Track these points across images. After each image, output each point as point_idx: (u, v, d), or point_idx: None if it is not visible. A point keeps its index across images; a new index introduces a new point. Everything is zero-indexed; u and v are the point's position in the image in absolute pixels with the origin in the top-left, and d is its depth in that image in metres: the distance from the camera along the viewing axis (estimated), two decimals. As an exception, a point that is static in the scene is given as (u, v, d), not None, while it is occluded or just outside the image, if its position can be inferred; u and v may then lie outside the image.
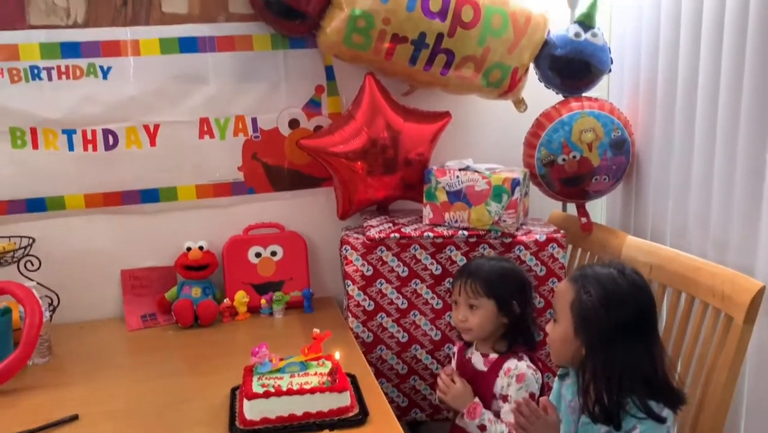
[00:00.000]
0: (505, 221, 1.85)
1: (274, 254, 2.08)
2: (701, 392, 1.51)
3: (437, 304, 1.91)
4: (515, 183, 1.83)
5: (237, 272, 2.06)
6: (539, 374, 1.56)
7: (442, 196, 1.89)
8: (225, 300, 2.01)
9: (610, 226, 2.14)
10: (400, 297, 1.89)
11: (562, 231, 1.93)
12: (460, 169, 1.89)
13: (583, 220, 2.06)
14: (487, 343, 1.63)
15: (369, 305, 1.89)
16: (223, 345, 1.85)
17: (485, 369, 1.60)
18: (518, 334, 1.60)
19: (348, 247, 1.89)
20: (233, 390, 1.54)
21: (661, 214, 1.94)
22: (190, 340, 1.89)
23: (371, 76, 1.96)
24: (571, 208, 2.23)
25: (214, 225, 2.09)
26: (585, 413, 1.31)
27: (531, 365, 1.56)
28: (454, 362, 1.73)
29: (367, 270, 1.88)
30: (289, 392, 1.38)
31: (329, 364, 1.50)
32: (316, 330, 1.53)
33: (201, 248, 2.02)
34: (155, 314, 2.04)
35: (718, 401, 1.45)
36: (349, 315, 1.90)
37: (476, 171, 1.87)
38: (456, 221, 1.89)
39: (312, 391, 1.39)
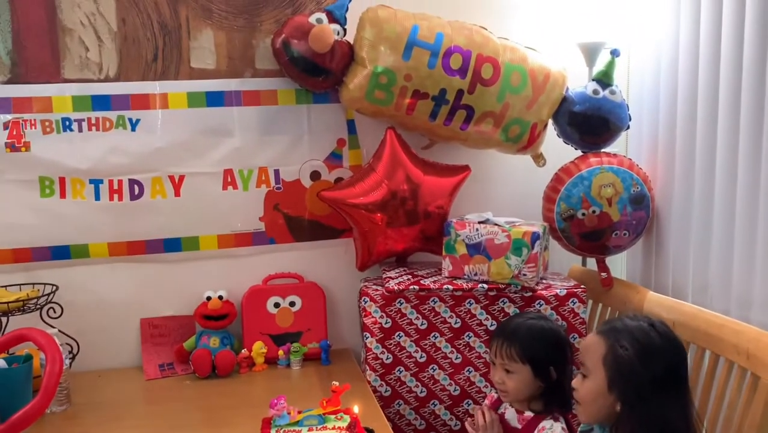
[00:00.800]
0: (525, 274, 1.84)
1: (292, 304, 2.09)
2: (729, 455, 1.47)
3: (456, 358, 1.89)
4: (535, 237, 1.83)
5: (255, 322, 2.06)
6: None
7: (462, 249, 1.90)
8: (243, 350, 2.00)
9: (630, 281, 2.12)
10: (419, 350, 1.88)
11: (582, 286, 1.92)
12: (479, 222, 1.90)
13: (603, 275, 2.05)
14: (522, 401, 1.60)
15: (387, 358, 1.88)
16: (240, 396, 1.84)
17: (519, 426, 1.57)
18: (554, 396, 1.57)
19: (367, 298, 1.89)
20: (252, 441, 1.53)
21: (682, 270, 1.92)
22: (208, 391, 1.89)
23: (392, 130, 2.00)
24: (591, 263, 2.22)
25: (234, 275, 2.10)
26: None
27: (566, 428, 1.54)
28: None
29: (386, 322, 1.87)
30: (307, 446, 1.37)
31: (348, 418, 1.49)
32: (335, 383, 1.52)
33: (220, 297, 2.03)
34: (173, 363, 2.03)
35: (747, 464, 1.42)
36: (367, 368, 1.89)
37: (496, 224, 1.88)
38: (476, 274, 1.89)
39: (330, 445, 1.38)
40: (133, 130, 1.98)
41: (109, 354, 2.05)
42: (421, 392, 1.89)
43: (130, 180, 2.00)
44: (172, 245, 2.06)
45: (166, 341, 2.07)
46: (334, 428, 1.45)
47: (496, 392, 1.70)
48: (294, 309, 2.09)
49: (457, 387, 1.90)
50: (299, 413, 1.48)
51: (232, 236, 2.09)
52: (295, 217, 2.12)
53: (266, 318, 2.07)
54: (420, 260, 2.15)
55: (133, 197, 2.01)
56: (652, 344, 1.25)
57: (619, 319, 1.34)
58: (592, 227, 1.96)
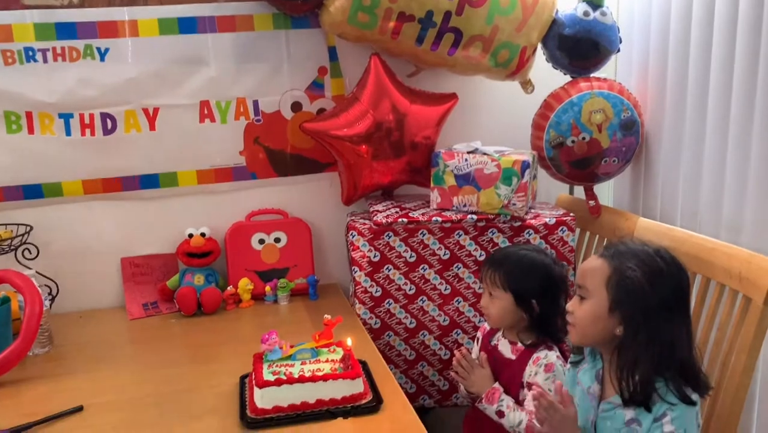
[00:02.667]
0: (514, 204, 1.81)
1: (277, 240, 2.04)
2: (718, 376, 1.48)
3: (446, 289, 1.87)
4: (525, 165, 1.79)
5: (240, 259, 2.01)
6: (566, 367, 1.52)
7: (450, 180, 1.85)
8: (228, 288, 1.96)
9: (617, 208, 2.11)
10: (408, 283, 1.86)
11: (571, 214, 1.90)
12: (468, 152, 1.85)
13: (591, 203, 2.03)
14: (513, 331, 1.60)
15: (376, 291, 1.86)
16: (228, 333, 1.81)
17: (513, 357, 1.57)
18: (544, 329, 1.55)
19: (354, 232, 1.85)
20: (242, 378, 1.50)
21: (671, 196, 1.91)
22: (194, 328, 1.85)
23: (377, 56, 1.92)
24: (579, 192, 2.20)
25: (216, 211, 2.04)
26: (609, 397, 1.28)
27: (560, 356, 1.53)
28: (477, 347, 1.70)
29: (375, 256, 1.84)
30: (301, 380, 1.35)
31: (341, 350, 1.47)
32: (328, 316, 1.49)
33: (203, 234, 1.97)
34: (157, 302, 1.99)
35: (737, 385, 1.43)
36: (356, 301, 1.87)
37: (485, 154, 1.83)
38: (465, 205, 1.85)
39: (324, 378, 1.36)
40: (102, 60, 1.87)
41: (91, 295, 2.00)
42: (411, 323, 1.88)
43: (102, 114, 1.91)
44: (149, 182, 1.99)
45: (148, 280, 2.02)
46: (327, 361, 1.43)
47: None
48: (279, 245, 2.04)
49: (446, 318, 1.89)
50: (291, 347, 1.46)
51: (212, 171, 2.02)
52: (277, 150, 2.05)
53: (251, 255, 2.02)
54: (406, 192, 2.11)
55: (106, 132, 1.92)
56: (658, 266, 1.22)
57: (621, 243, 1.31)
58: (582, 154, 1.93)
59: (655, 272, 1.21)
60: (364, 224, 1.86)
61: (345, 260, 2.10)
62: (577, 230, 2.08)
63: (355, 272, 1.86)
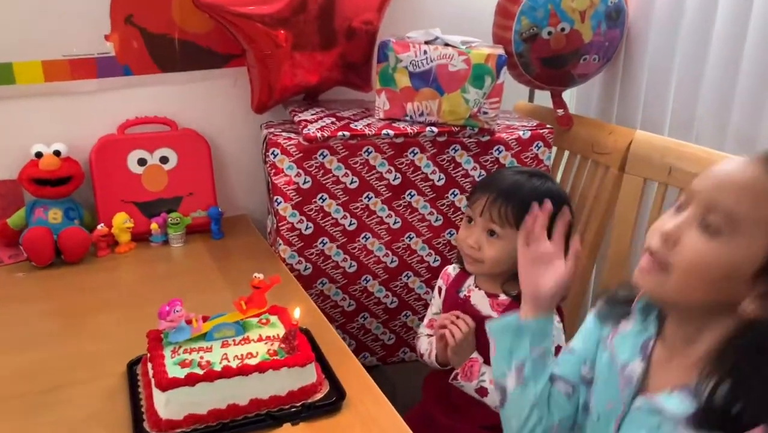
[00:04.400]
0: (486, 112, 1.41)
1: (164, 160, 1.51)
2: None
3: (395, 223, 1.46)
4: (501, 62, 1.38)
5: (113, 186, 1.48)
6: (562, 324, 1.18)
7: (404, 80, 1.40)
8: (99, 226, 1.43)
9: (593, 118, 1.74)
10: (348, 216, 1.43)
11: (548, 126, 1.53)
12: (426, 42, 1.40)
13: (560, 112, 1.66)
14: (494, 280, 1.22)
15: (307, 227, 1.41)
16: (103, 292, 1.30)
17: (495, 315, 1.19)
18: None
19: (277, 150, 1.37)
20: (131, 366, 1.03)
21: (658, 103, 1.58)
22: (52, 285, 1.33)
23: None
24: (540, 98, 1.84)
25: (74, 120, 1.47)
26: (657, 390, 0.83)
27: (556, 311, 1.16)
28: (439, 300, 1.32)
29: (305, 181, 1.38)
30: (227, 373, 0.91)
31: (278, 322, 1.03)
32: (258, 275, 1.03)
33: (57, 153, 1.41)
34: (-6, 248, 1.43)
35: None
36: (280, 242, 1.42)
37: (449, 45, 1.39)
38: (421, 114, 1.42)
39: (261, 368, 0.92)
40: None
41: None
42: (351, 267, 1.47)
43: None
44: (-31, 78, 1.37)
45: (-22, 219, 1.44)
46: (260, 340, 0.99)
47: (457, 266, 1.31)
48: (167, 167, 1.52)
49: (395, 258, 1.49)
50: (205, 320, 1.00)
51: (66, 62, 1.42)
52: (159, 35, 1.48)
53: (128, 180, 1.49)
54: (335, 97, 1.64)
55: None
56: None
57: None
58: (559, 49, 1.54)
59: None
60: (290, 138, 1.38)
61: (257, 185, 1.62)
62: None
63: (278, 204, 1.39)
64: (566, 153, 1.67)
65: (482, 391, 1.16)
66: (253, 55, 1.46)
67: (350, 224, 1.44)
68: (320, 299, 1.47)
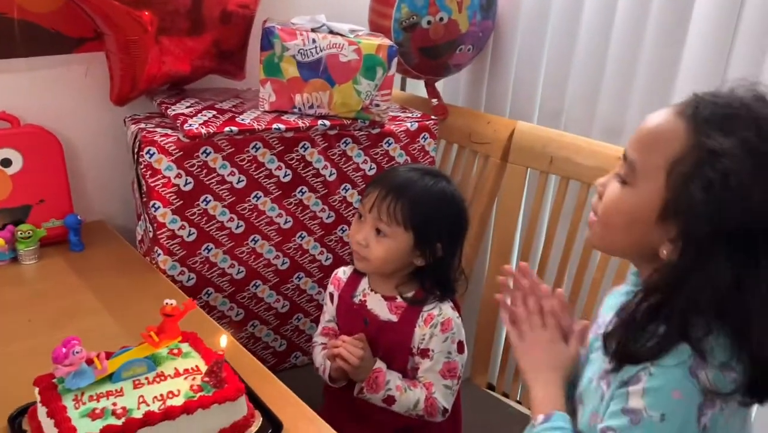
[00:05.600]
0: (377, 105, 1.36)
1: (6, 163, 1.28)
2: None
3: (286, 222, 1.37)
4: (392, 52, 1.33)
5: (-59, 196, 1.22)
6: (460, 319, 1.15)
7: (292, 70, 1.30)
8: (-73, 247, 1.18)
9: (470, 108, 1.76)
10: (235, 218, 1.31)
11: (433, 117, 1.52)
12: (312, 30, 1.32)
13: (434, 101, 1.67)
14: (388, 282, 1.16)
15: (189, 234, 1.27)
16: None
17: (395, 318, 1.14)
18: (433, 280, 1.14)
19: (153, 150, 1.21)
20: (13, 420, 0.86)
21: (526, 94, 1.64)
22: None
23: None
24: (413, 87, 1.83)
25: None
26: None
27: (455, 307, 1.15)
28: (332, 306, 1.23)
29: (186, 183, 1.24)
30: (151, 420, 0.78)
31: (193, 352, 0.91)
32: (170, 301, 0.90)
33: None
34: None
35: None
36: (159, 251, 1.26)
37: (338, 33, 1.32)
38: (311, 106, 1.33)
39: (189, 408, 0.81)
40: None
41: None
42: (239, 273, 1.35)
43: None
44: None
45: None
46: (179, 375, 0.86)
47: (347, 269, 1.23)
48: (10, 171, 1.28)
49: (286, 259, 1.40)
50: (108, 357, 0.85)
51: None
52: (-7, 14, 1.24)
53: (-39, 189, 1.24)
54: (201, 85, 1.49)
55: None
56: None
57: (715, 97, 0.76)
58: (437, 39, 1.53)
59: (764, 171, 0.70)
60: (167, 135, 1.23)
61: (116, 186, 1.44)
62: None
63: (156, 209, 1.24)
64: (443, 142, 1.68)
65: (389, 400, 1.10)
66: (114, 39, 1.28)
67: (237, 227, 1.32)
68: (206, 310, 1.33)
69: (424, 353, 1.12)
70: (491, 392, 1.54)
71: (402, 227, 1.09)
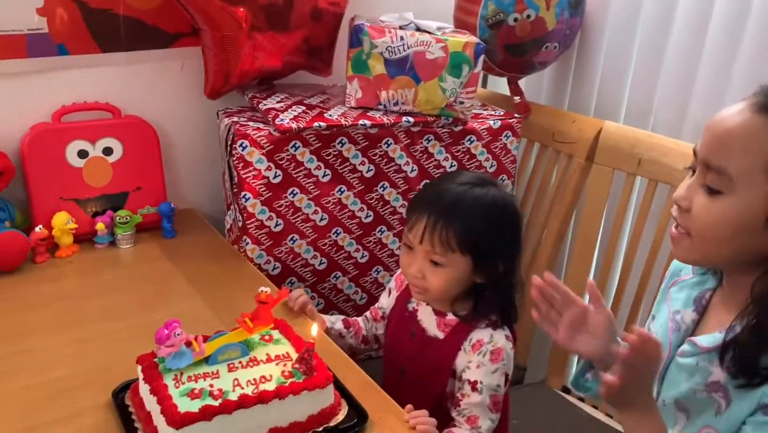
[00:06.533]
0: (462, 102, 1.36)
1: (108, 151, 1.35)
2: None
3: (367, 217, 1.40)
4: (479, 50, 1.33)
5: (50, 182, 1.30)
6: (512, 348, 1.08)
7: (379, 67, 1.32)
8: (37, 228, 1.25)
9: (553, 107, 1.74)
10: (319, 211, 1.34)
11: (516, 115, 1.51)
12: (400, 27, 1.33)
13: (517, 99, 1.66)
14: (443, 299, 1.08)
15: (276, 224, 1.32)
16: (50, 307, 1.14)
17: (441, 336, 1.07)
18: (492, 297, 1.06)
19: (246, 143, 1.26)
20: (116, 394, 0.91)
21: (613, 92, 1.61)
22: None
23: None
24: (494, 84, 1.82)
25: (1, 106, 1.27)
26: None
27: (509, 334, 1.06)
28: (387, 300, 1.19)
29: (275, 175, 1.28)
30: (245, 402, 0.82)
31: (283, 339, 0.95)
32: (265, 289, 0.94)
33: (-17, 146, 1.22)
34: None
35: None
36: (247, 240, 1.31)
37: (425, 31, 1.33)
38: (396, 103, 1.35)
39: (281, 393, 0.84)
40: None
41: None
42: (321, 264, 1.39)
43: None
44: None
45: None
46: (270, 360, 0.90)
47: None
48: (111, 159, 1.36)
49: (366, 253, 1.43)
50: (205, 340, 0.90)
51: (-10, 40, 1.23)
52: (101, 10, 1.31)
53: (68, 175, 1.32)
54: (289, 80, 1.52)
55: None
56: None
57: None
58: (523, 36, 1.52)
59: None
60: (259, 129, 1.27)
61: (207, 176, 1.50)
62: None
63: (246, 200, 1.28)
64: (524, 141, 1.67)
65: None
66: (210, 35, 1.33)
67: (321, 219, 1.35)
68: (289, 300, 1.38)
69: (473, 385, 1.03)
70: (566, 395, 1.52)
71: (458, 253, 1.01)
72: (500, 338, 1.04)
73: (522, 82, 1.73)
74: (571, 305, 0.91)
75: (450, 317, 1.08)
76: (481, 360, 1.03)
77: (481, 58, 1.34)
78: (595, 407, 1.49)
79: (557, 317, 0.92)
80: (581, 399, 1.53)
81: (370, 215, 1.40)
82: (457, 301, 1.07)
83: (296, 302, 1.15)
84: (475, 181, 1.05)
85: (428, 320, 1.10)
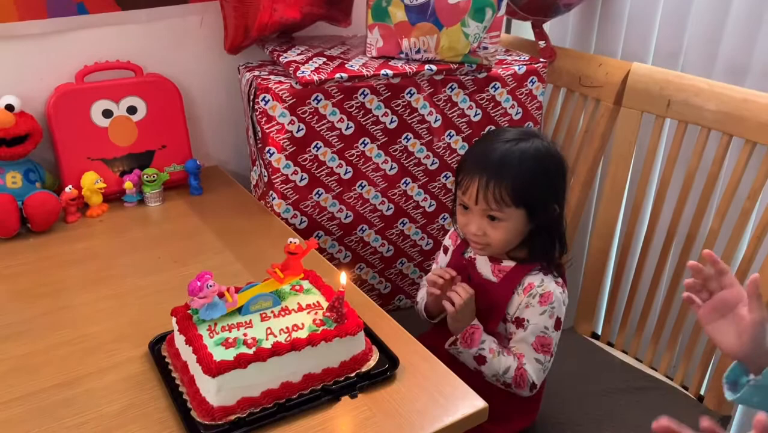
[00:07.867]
0: (485, 48, 1.34)
1: (132, 110, 1.36)
2: None
3: (392, 169, 1.39)
4: (502, -8, 1.30)
5: (77, 142, 1.31)
6: (566, 294, 1.12)
7: (399, 14, 1.30)
8: (67, 189, 1.27)
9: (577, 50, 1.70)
10: (344, 164, 1.34)
11: (541, 60, 1.48)
12: (420, -27, 1.30)
13: (542, 43, 1.62)
14: (505, 250, 1.13)
15: (302, 179, 1.32)
16: (83, 264, 1.16)
17: (495, 280, 1.12)
18: (547, 239, 1.10)
19: (268, 97, 1.25)
20: (153, 346, 0.94)
21: (641, 34, 1.56)
22: (21, 260, 1.17)
23: None
24: (517, 29, 1.78)
25: (24, 69, 1.28)
26: None
27: (560, 281, 1.10)
28: (446, 258, 1.23)
29: (299, 129, 1.28)
30: (279, 350, 0.83)
31: (313, 288, 0.96)
32: (294, 240, 0.94)
33: (10, 108, 1.22)
34: (-59, 221, 1.25)
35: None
36: (273, 195, 1.32)
37: (446, -25, 1.30)
38: (418, 51, 1.33)
39: (313, 341, 0.85)
40: None
41: None
42: (347, 217, 1.39)
43: None
44: None
45: None
46: (302, 309, 0.91)
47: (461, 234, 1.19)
48: (136, 118, 1.36)
49: (391, 205, 1.43)
50: (237, 291, 0.91)
51: (10, 1, 1.22)
52: (116, -33, 1.30)
53: (93, 135, 1.33)
54: (307, 32, 1.51)
55: None
56: None
57: None
58: (548, -22, 1.48)
59: None
60: (281, 83, 1.26)
61: (230, 132, 1.50)
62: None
63: (271, 155, 1.28)
64: (549, 86, 1.64)
65: (481, 359, 1.09)
66: (228, -12, 1.31)
67: (346, 173, 1.35)
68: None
69: (519, 322, 1.09)
70: (595, 341, 1.52)
71: (513, 207, 1.05)
72: (550, 283, 1.09)
73: (547, 26, 1.69)
74: (729, 287, 0.87)
75: (504, 263, 1.12)
76: (530, 301, 1.08)
77: (505, 1, 1.31)
78: (625, 352, 1.49)
79: (706, 297, 0.89)
80: (611, 344, 1.54)
81: (395, 167, 1.39)
82: (513, 249, 1.11)
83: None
84: (519, 136, 1.08)
85: (485, 267, 1.14)
